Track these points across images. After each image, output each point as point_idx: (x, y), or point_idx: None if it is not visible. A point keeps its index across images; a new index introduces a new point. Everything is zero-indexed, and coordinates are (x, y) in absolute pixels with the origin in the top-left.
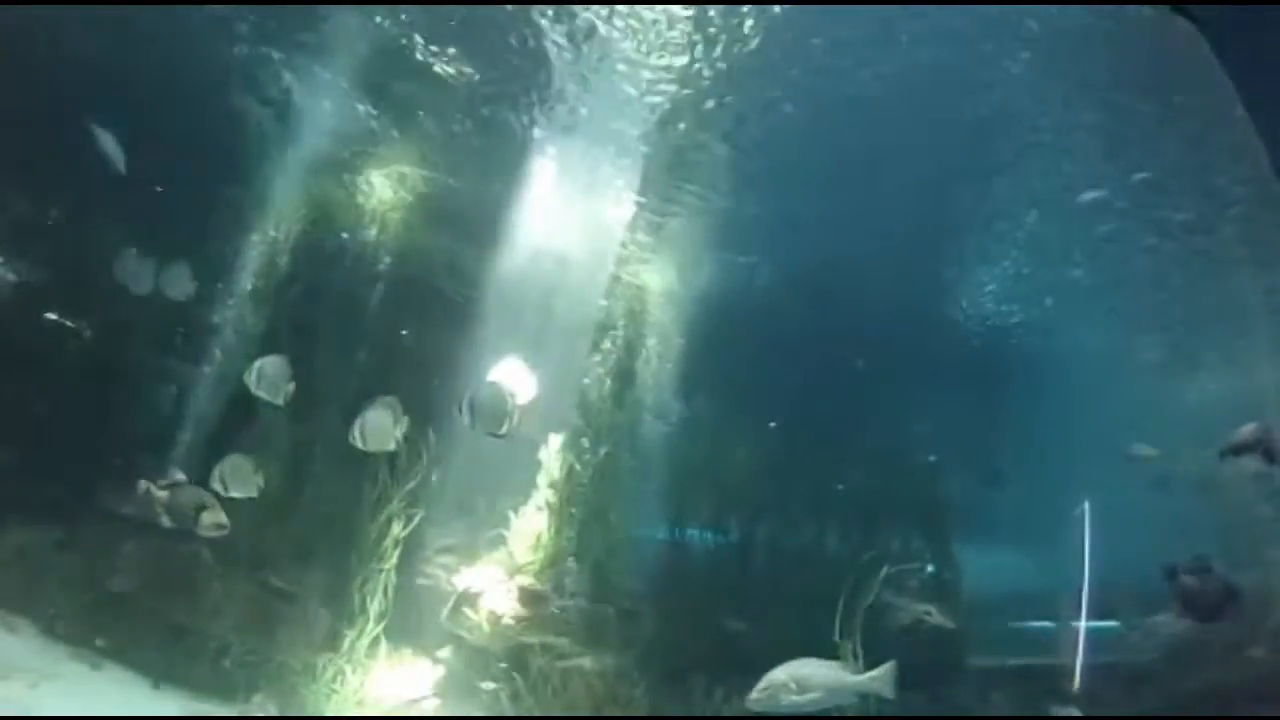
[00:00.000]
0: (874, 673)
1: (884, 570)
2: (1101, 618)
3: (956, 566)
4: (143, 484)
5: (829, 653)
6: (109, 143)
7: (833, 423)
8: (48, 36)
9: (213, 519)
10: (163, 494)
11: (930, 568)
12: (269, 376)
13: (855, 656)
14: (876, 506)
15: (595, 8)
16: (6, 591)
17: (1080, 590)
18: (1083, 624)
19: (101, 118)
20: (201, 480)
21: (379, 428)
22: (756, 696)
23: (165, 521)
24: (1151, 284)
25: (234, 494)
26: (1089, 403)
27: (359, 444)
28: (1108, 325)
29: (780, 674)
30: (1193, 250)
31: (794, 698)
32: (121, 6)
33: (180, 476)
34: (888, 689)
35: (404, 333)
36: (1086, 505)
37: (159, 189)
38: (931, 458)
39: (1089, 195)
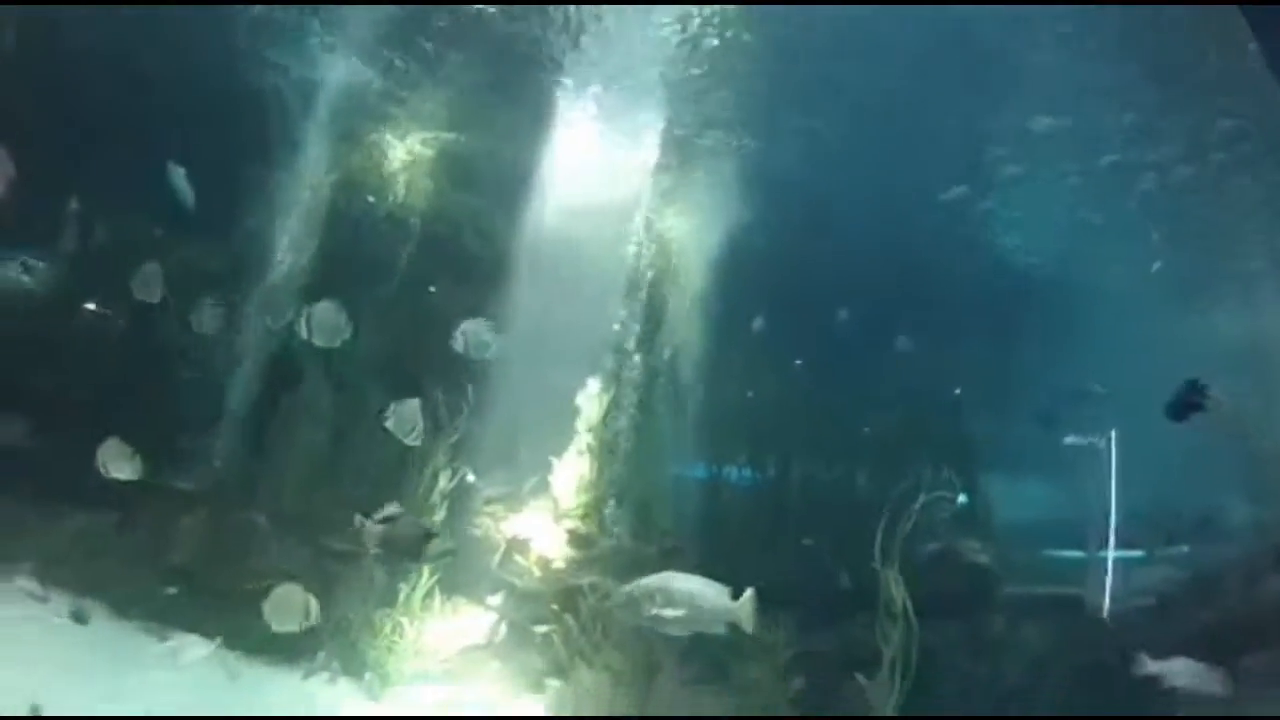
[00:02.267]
0: (737, 602)
1: (919, 499)
2: (1127, 548)
3: (987, 498)
4: (357, 519)
5: (870, 582)
6: (179, 179)
7: (862, 361)
8: (56, 23)
9: (440, 548)
10: (378, 528)
11: (962, 499)
12: (323, 322)
13: (895, 583)
14: (905, 442)
15: None
16: (71, 575)
17: (1107, 521)
18: (1110, 553)
19: (122, 105)
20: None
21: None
22: (619, 602)
23: (382, 554)
24: (1171, 216)
25: (116, 476)
26: (1111, 335)
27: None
28: (1129, 260)
29: (650, 582)
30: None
31: (655, 610)
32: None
33: (395, 509)
34: (747, 621)
35: (431, 289)
36: (1112, 435)
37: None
38: (957, 392)
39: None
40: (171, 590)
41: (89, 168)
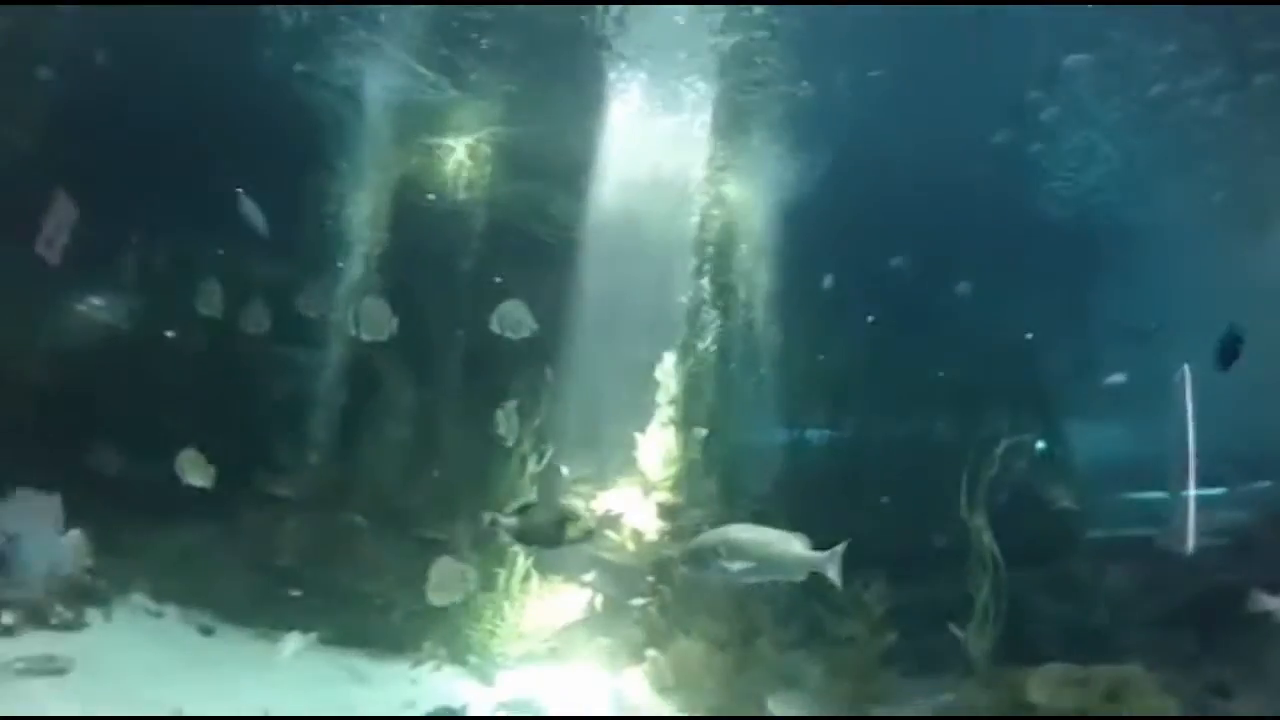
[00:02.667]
0: (822, 553)
1: (1000, 445)
2: (1206, 485)
3: (1065, 441)
4: (487, 516)
5: (957, 533)
6: (252, 210)
7: (931, 312)
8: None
9: (579, 529)
10: (512, 520)
11: (1040, 444)
12: (369, 317)
13: (983, 531)
14: (981, 390)
15: None
16: (182, 588)
17: (1185, 458)
18: (1190, 492)
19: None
20: None
21: None
22: (683, 562)
23: (522, 546)
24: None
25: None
26: (1176, 271)
27: None
28: (1185, 198)
29: (712, 537)
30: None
31: (723, 563)
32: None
33: (529, 498)
34: (834, 572)
35: (498, 279)
36: (1186, 370)
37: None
38: (1028, 336)
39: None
40: (294, 593)
41: (151, 196)
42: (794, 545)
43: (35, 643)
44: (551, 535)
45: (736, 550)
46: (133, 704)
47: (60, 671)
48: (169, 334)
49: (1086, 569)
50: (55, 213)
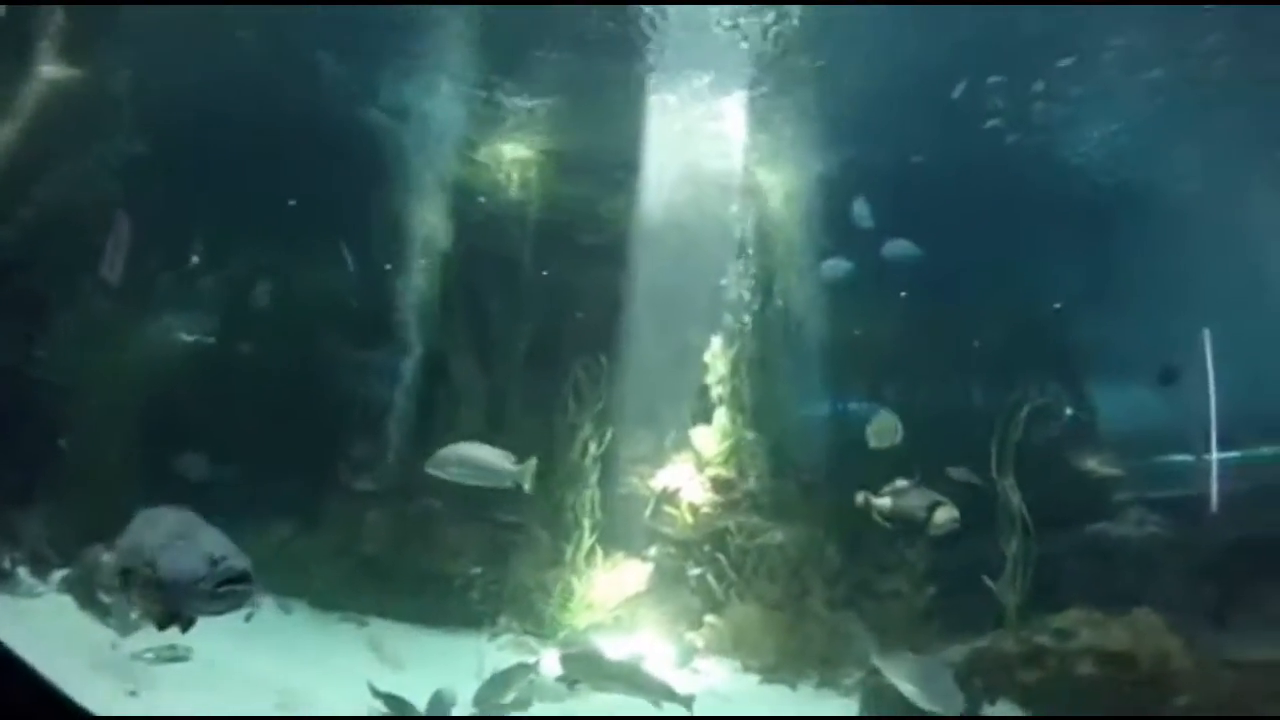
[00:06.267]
0: (519, 466)
1: (1024, 409)
2: (1230, 447)
3: (1092, 407)
4: (860, 495)
5: (988, 493)
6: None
7: (962, 285)
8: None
9: (946, 515)
10: (884, 500)
11: (1068, 410)
12: None
13: (1013, 491)
14: (1012, 359)
15: None
16: (278, 579)
17: (1209, 421)
18: (1214, 455)
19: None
20: None
21: None
22: (431, 466)
23: (889, 524)
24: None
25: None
26: (1200, 238)
27: None
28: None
29: (447, 450)
30: None
31: (454, 469)
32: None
33: (904, 483)
34: (527, 480)
35: (544, 273)
36: (1206, 334)
37: (294, 203)
38: (1057, 306)
39: None
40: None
41: (222, 215)
42: (502, 460)
43: (156, 634)
44: (921, 518)
45: (463, 461)
46: (249, 686)
47: (182, 659)
48: (245, 346)
49: (1113, 529)
50: (116, 234)
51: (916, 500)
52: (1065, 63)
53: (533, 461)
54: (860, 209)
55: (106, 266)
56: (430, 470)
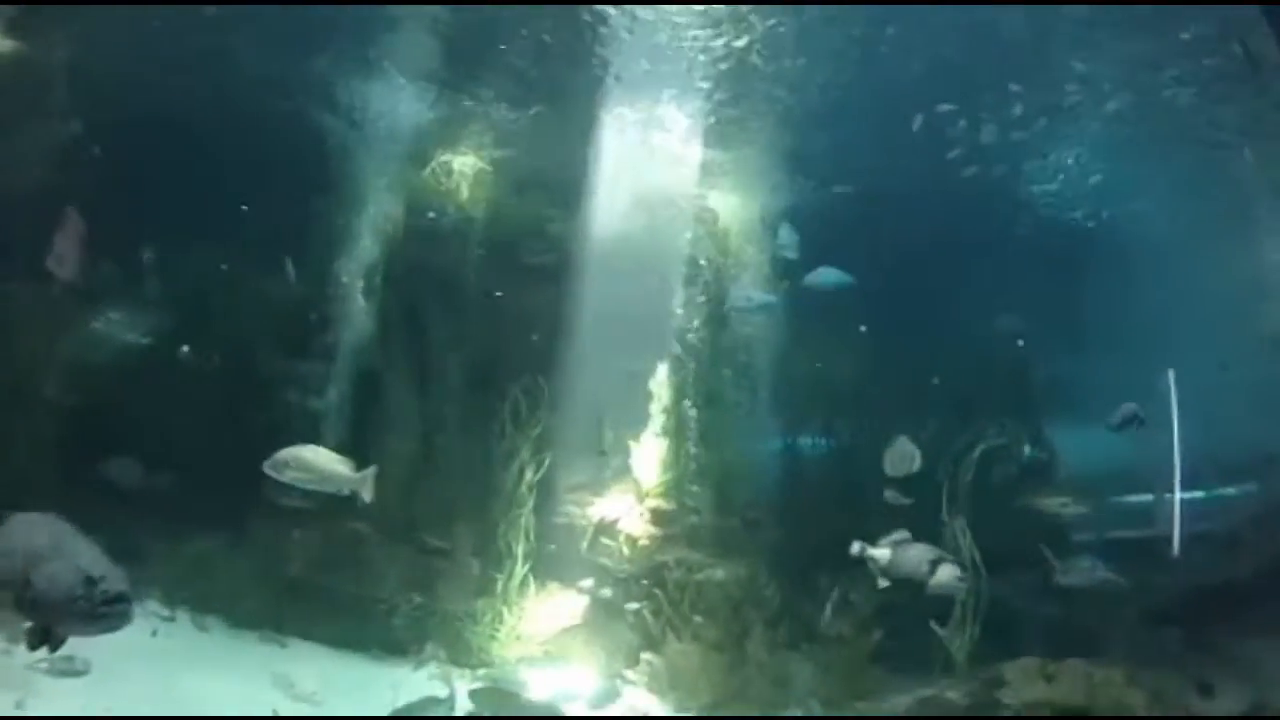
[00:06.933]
0: (358, 474)
1: (978, 449)
2: (1194, 489)
3: (1051, 447)
4: (856, 545)
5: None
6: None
7: (920, 321)
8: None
9: (949, 574)
10: (882, 552)
11: (1027, 449)
12: None
13: (963, 533)
14: (971, 396)
15: None
16: (193, 594)
17: (1172, 463)
18: (1176, 495)
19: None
20: None
21: None
22: (267, 467)
23: (885, 580)
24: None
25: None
26: (1165, 276)
27: None
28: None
29: (285, 453)
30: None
31: (292, 473)
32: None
33: (903, 534)
34: (366, 490)
35: (498, 294)
36: (1171, 375)
37: (245, 208)
38: (1020, 343)
39: None
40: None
41: (162, 216)
42: (341, 467)
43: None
44: (922, 575)
45: (300, 464)
46: (147, 702)
47: (80, 673)
48: (183, 350)
49: (1072, 572)
50: (66, 230)
51: (917, 555)
52: (1017, 88)
53: (372, 469)
54: (787, 236)
55: (54, 261)
56: (266, 471)
